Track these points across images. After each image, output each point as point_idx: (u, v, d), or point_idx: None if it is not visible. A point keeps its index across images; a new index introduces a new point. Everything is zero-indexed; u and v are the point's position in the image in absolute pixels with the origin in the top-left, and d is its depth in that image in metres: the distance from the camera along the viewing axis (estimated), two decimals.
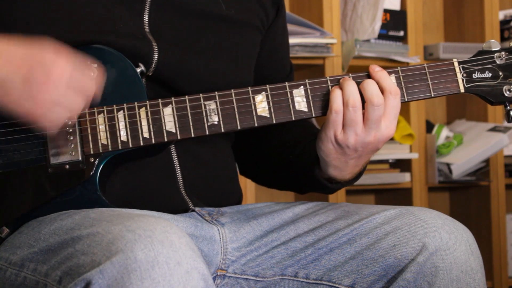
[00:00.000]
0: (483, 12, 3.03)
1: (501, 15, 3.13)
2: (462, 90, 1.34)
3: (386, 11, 2.83)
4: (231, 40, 1.43)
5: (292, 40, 2.59)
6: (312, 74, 2.75)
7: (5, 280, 1.19)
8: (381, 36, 2.82)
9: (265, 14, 1.50)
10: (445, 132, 3.06)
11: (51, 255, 1.14)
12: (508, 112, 1.33)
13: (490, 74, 1.33)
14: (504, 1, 3.27)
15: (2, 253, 1.21)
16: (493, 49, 1.34)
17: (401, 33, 2.87)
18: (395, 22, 2.86)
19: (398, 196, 2.97)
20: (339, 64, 2.72)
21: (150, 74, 1.34)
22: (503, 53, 1.34)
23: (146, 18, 1.36)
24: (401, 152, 2.89)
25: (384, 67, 1.32)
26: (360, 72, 1.31)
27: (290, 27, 2.58)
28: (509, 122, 1.33)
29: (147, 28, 1.35)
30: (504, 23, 3.11)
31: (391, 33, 2.85)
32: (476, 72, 1.33)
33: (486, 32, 3.02)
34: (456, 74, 1.33)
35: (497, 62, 1.34)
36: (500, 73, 1.33)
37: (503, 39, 3.10)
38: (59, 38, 1.28)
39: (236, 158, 1.53)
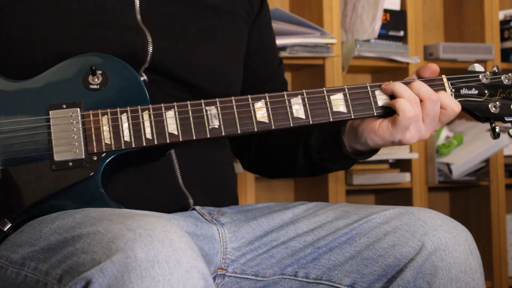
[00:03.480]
0: (483, 12, 3.03)
1: (501, 15, 3.13)
2: None
3: (386, 11, 2.83)
4: (221, 27, 1.48)
5: (292, 40, 2.59)
6: (312, 74, 2.75)
7: (5, 279, 1.20)
8: (381, 36, 2.82)
9: (250, 5, 1.55)
10: (445, 132, 3.06)
11: (52, 253, 1.14)
12: (493, 128, 1.38)
13: (476, 91, 1.38)
14: (504, 1, 3.27)
15: (3, 251, 1.22)
16: (477, 71, 1.40)
17: (401, 33, 2.87)
18: (395, 22, 2.86)
19: (398, 196, 2.97)
20: (339, 64, 2.72)
21: (147, 66, 1.37)
22: (487, 73, 1.39)
23: (137, 6, 1.38)
24: (401, 152, 2.88)
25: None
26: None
27: (290, 27, 2.59)
28: (494, 138, 1.38)
29: (139, 16, 1.38)
30: (504, 23, 3.11)
31: (391, 33, 2.85)
32: (464, 89, 1.38)
33: (486, 32, 3.01)
34: (445, 89, 1.37)
35: (483, 81, 1.39)
36: (486, 91, 1.38)
37: (503, 39, 3.10)
38: (50, 31, 1.30)
39: (244, 152, 1.56)
